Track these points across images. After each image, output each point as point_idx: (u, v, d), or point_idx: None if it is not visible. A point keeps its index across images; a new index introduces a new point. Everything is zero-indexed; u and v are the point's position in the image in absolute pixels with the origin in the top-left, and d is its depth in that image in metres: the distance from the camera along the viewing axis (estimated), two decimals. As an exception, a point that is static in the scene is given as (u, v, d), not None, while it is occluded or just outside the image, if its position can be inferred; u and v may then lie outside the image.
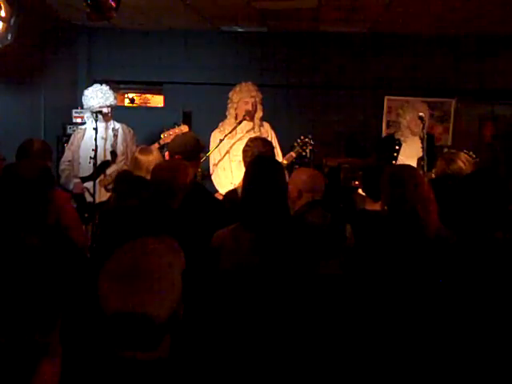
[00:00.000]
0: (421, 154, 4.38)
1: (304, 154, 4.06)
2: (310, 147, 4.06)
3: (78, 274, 1.86)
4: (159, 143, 4.08)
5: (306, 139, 4.05)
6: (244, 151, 3.49)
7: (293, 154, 4.02)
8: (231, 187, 4.20)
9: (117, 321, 1.20)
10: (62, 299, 0.96)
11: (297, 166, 4.51)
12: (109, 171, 4.45)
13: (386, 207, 2.68)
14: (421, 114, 4.27)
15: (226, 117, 4.47)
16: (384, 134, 6.27)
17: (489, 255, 2.05)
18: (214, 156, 4.36)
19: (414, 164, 4.35)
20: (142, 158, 3.38)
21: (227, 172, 4.36)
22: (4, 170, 2.17)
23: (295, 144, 4.07)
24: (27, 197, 2.01)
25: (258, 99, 4.36)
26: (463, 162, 3.32)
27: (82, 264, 1.98)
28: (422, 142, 4.21)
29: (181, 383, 1.25)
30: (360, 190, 3.89)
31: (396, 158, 4.63)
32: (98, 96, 4.54)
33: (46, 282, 0.94)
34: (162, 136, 4.17)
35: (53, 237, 2.02)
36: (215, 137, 4.38)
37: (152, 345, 1.22)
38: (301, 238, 2.39)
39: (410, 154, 4.56)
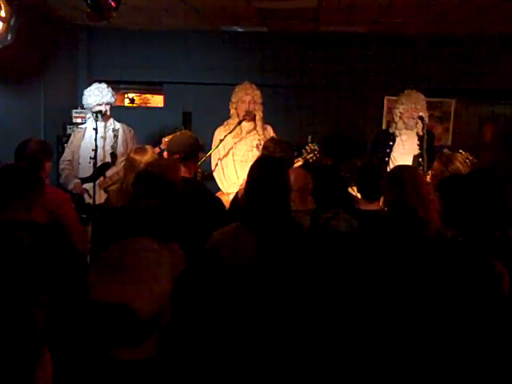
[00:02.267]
0: (417, 152, 4.27)
1: (311, 161, 4.07)
2: (318, 155, 4.08)
3: (69, 271, 1.87)
4: (160, 148, 4.08)
5: (314, 147, 4.06)
6: (264, 148, 3.52)
7: (300, 160, 4.04)
8: (233, 186, 4.22)
9: (101, 311, 1.21)
10: (47, 293, 0.97)
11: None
12: (108, 173, 4.45)
13: (386, 208, 2.67)
14: (421, 113, 4.24)
15: (229, 116, 4.49)
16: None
17: (488, 254, 2.05)
18: (217, 153, 4.38)
19: (410, 162, 4.27)
20: (137, 157, 3.38)
21: (230, 170, 4.37)
22: None
23: (303, 151, 4.08)
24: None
25: (256, 98, 4.35)
26: (460, 162, 3.33)
27: (74, 262, 1.98)
28: (421, 141, 4.14)
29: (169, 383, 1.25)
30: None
31: (389, 155, 4.46)
32: (94, 94, 4.55)
33: (32, 274, 0.95)
34: (162, 140, 4.17)
35: (43, 234, 2.05)
36: (219, 134, 4.40)
37: (136, 339, 1.23)
38: (320, 242, 2.39)
39: (404, 151, 4.42)
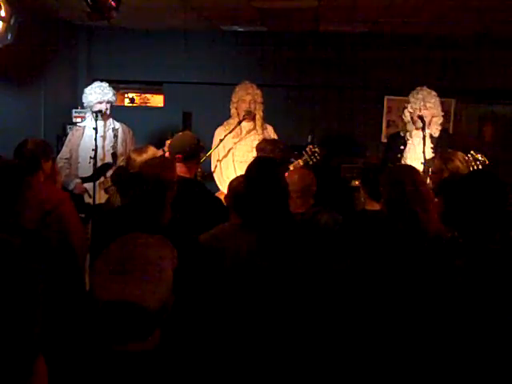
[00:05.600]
0: (431, 155, 3.91)
1: (311, 163, 4.04)
2: (318, 157, 4.05)
3: (66, 273, 1.87)
4: (163, 150, 4.07)
5: (315, 149, 4.04)
6: (260, 150, 3.52)
7: (300, 161, 4.02)
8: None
9: (109, 310, 1.21)
10: (42, 300, 0.97)
11: None
12: (109, 173, 4.45)
13: (385, 207, 2.67)
14: (420, 113, 4.14)
15: (229, 116, 4.49)
16: (384, 134, 6.27)
17: (487, 255, 2.05)
18: (217, 153, 4.38)
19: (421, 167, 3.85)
20: (136, 157, 3.39)
21: (229, 171, 4.37)
22: None
23: (304, 153, 4.07)
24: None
25: (256, 97, 4.35)
26: (460, 161, 3.32)
27: (70, 264, 1.99)
28: (424, 142, 3.88)
29: (173, 374, 1.26)
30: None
31: (399, 160, 4.13)
32: (96, 92, 4.55)
33: (27, 282, 0.95)
34: (166, 143, 4.16)
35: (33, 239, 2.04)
36: (219, 134, 4.40)
37: (143, 334, 1.24)
38: (305, 238, 2.40)
39: (416, 155, 4.04)
